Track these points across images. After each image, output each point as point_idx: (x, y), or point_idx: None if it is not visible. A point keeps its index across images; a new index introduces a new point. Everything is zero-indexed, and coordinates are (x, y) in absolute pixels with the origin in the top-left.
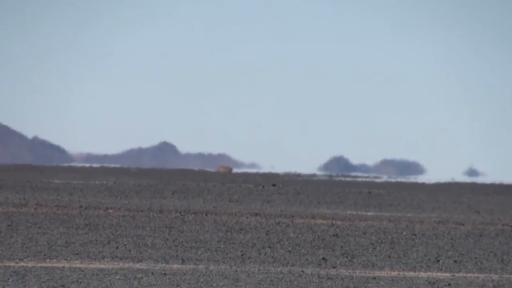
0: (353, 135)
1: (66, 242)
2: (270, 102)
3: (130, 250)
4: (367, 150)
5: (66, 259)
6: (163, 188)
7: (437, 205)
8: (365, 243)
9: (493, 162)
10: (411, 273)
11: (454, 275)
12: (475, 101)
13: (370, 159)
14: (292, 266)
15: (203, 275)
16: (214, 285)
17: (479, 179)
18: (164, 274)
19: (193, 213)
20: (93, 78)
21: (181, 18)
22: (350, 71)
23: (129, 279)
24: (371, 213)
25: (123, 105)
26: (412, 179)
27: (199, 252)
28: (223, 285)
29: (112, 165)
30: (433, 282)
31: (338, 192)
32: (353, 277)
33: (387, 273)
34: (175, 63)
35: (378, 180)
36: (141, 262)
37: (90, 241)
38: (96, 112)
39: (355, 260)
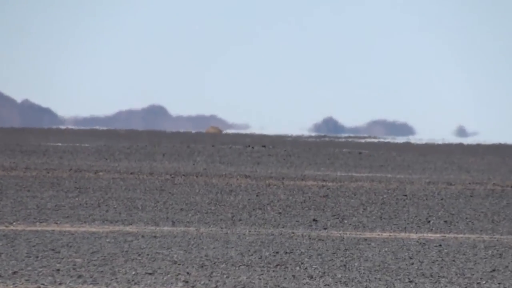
0: (342, 96)
1: (56, 206)
2: (260, 62)
3: (120, 213)
4: (356, 111)
5: (56, 223)
6: (153, 150)
7: (427, 165)
8: (355, 204)
9: (482, 121)
10: (402, 234)
11: (445, 236)
12: (464, 60)
13: (360, 120)
14: (283, 227)
15: (194, 238)
16: (205, 247)
17: (468, 140)
18: (155, 236)
19: (184, 175)
20: (82, 39)
21: None
22: (339, 31)
23: (119, 242)
24: (362, 174)
25: (113, 66)
26: (402, 139)
27: (190, 215)
28: (214, 247)
29: (102, 128)
30: (424, 243)
31: (328, 153)
32: (344, 238)
33: (378, 234)
34: (165, 24)
35: (368, 141)
36: (131, 225)
37: (80, 204)
38: (85, 73)
39: (345, 221)
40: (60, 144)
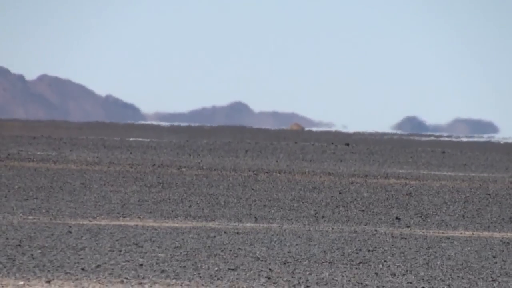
0: (426, 95)
1: (139, 200)
2: (344, 61)
3: (203, 209)
4: (440, 109)
5: (139, 217)
6: (236, 147)
7: (510, 164)
8: (438, 203)
9: None
10: (485, 233)
11: None
12: None
13: (443, 119)
14: (366, 225)
15: (277, 234)
16: (288, 244)
17: None
18: (237, 233)
19: (266, 172)
20: (167, 37)
21: None
22: (425, 31)
23: (202, 237)
24: (445, 173)
25: (197, 63)
26: (486, 138)
27: (273, 211)
28: (296, 244)
29: (185, 124)
30: (507, 242)
31: (411, 152)
32: (426, 236)
33: (461, 233)
34: (249, 23)
35: (451, 140)
36: (214, 220)
37: (163, 200)
38: (170, 71)
39: (428, 220)
40: (143, 139)
